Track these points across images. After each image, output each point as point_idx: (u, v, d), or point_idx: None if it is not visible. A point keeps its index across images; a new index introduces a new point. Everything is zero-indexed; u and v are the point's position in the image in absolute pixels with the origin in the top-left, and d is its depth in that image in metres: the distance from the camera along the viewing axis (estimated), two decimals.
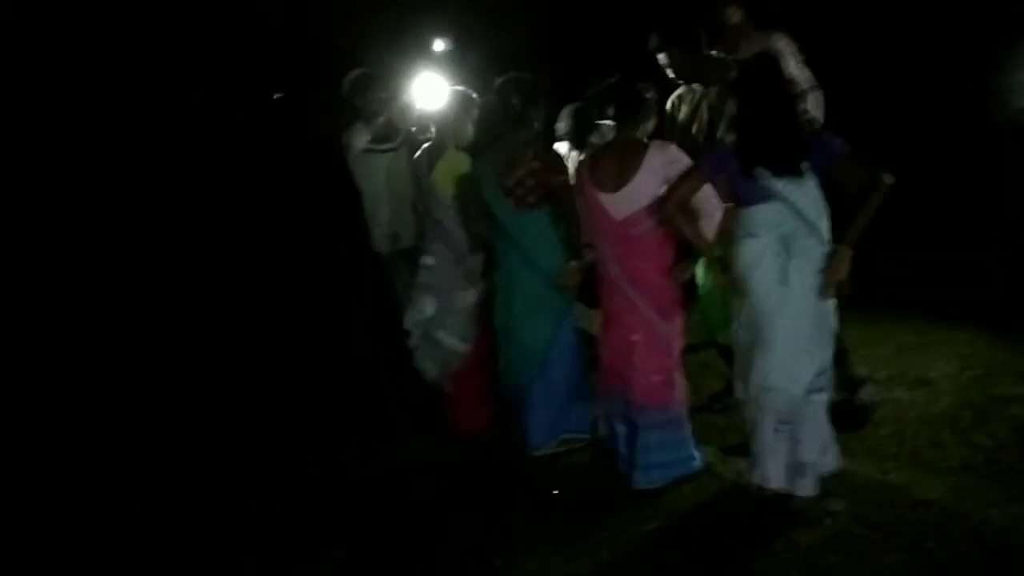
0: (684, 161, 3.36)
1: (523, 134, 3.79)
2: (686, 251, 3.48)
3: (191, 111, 6.79)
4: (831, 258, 3.03)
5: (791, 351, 3.08)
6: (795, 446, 3.13)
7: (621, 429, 3.63)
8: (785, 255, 3.04)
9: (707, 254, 3.33)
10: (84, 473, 4.21)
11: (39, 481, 4.13)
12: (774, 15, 3.79)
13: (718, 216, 3.37)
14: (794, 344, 3.07)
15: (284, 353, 5.57)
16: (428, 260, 4.22)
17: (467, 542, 3.30)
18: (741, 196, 3.14)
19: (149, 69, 6.65)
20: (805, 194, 3.02)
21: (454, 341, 4.17)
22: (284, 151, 6.25)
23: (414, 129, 4.38)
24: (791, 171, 2.99)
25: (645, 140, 3.50)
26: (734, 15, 3.83)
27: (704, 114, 3.79)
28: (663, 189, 3.32)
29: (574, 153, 4.39)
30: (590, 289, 3.78)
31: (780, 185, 3.01)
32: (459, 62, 4.63)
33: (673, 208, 3.22)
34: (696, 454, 3.60)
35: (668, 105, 3.95)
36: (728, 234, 3.25)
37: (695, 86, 3.87)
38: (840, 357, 3.83)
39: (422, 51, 4.59)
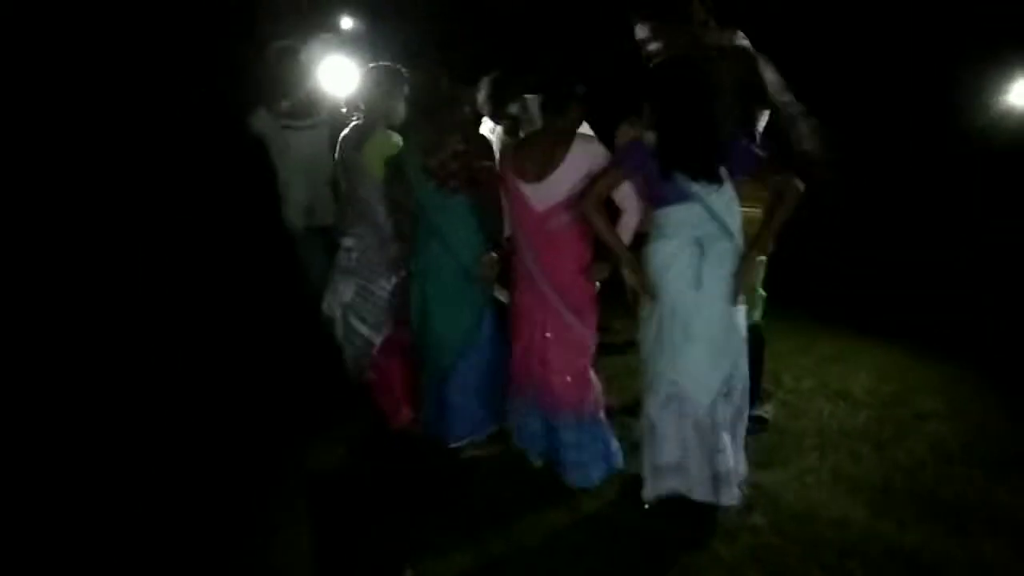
0: (607, 156, 3.25)
1: (452, 115, 3.60)
2: (605, 250, 3.35)
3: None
4: (742, 262, 2.99)
5: (702, 356, 3.03)
6: (713, 455, 3.08)
7: (535, 425, 3.54)
8: (699, 258, 2.98)
9: (620, 254, 3.22)
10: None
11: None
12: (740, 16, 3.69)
13: (636, 217, 3.26)
14: (705, 349, 3.03)
15: (194, 340, 5.21)
16: (348, 242, 4.01)
17: (376, 551, 3.13)
18: (657, 196, 3.07)
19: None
20: (720, 197, 2.96)
21: (368, 330, 3.99)
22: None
23: (342, 107, 4.23)
24: (709, 176, 2.94)
25: (572, 130, 3.34)
26: (699, 12, 3.72)
27: None
28: (585, 183, 3.21)
29: (497, 129, 4.28)
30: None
31: (697, 187, 2.95)
32: (369, 41, 4.39)
33: (589, 204, 3.12)
34: (616, 452, 3.53)
35: None
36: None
37: None
38: (754, 367, 3.84)
39: (330, 29, 4.34)
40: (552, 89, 3.32)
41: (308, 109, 4.36)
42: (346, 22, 4.41)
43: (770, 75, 3.58)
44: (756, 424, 3.82)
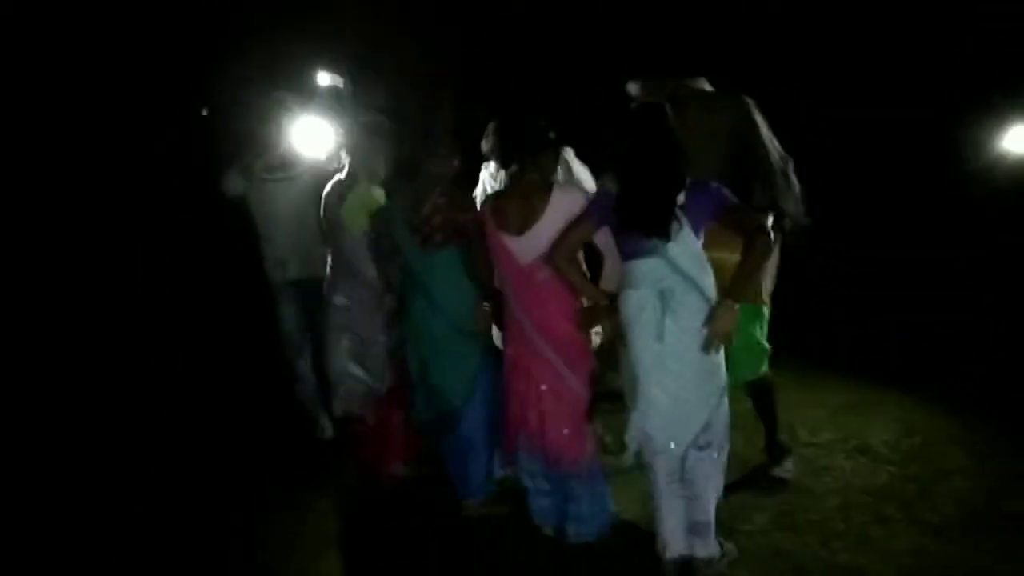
0: (585, 203, 3.18)
1: (437, 169, 3.54)
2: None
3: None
4: (713, 312, 2.89)
5: (669, 408, 2.96)
6: (690, 504, 3.03)
7: (533, 480, 3.46)
8: (662, 311, 2.91)
9: (596, 303, 3.19)
10: None
11: None
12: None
13: (619, 263, 3.17)
14: (673, 401, 2.95)
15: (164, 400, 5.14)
16: (339, 300, 3.95)
17: None
18: (621, 248, 3.04)
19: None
20: (683, 250, 2.89)
21: (367, 376, 3.94)
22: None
23: (323, 158, 4.24)
24: (659, 233, 2.87)
25: (549, 180, 3.30)
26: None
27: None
28: None
29: (501, 174, 4.24)
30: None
31: (656, 243, 2.89)
32: (346, 98, 4.38)
33: (559, 256, 3.09)
34: (605, 513, 3.45)
35: None
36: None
37: None
38: (768, 421, 3.79)
39: (306, 86, 4.33)
40: (521, 136, 3.28)
41: (285, 163, 4.32)
42: (323, 78, 4.37)
43: (760, 123, 3.53)
44: (774, 485, 3.73)
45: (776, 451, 3.82)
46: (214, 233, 4.61)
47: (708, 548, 3.05)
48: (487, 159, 4.37)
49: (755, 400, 3.73)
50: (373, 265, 3.78)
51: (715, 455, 3.02)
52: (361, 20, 6.47)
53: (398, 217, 3.55)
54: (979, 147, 5.00)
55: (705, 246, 2.94)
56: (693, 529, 3.02)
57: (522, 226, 3.22)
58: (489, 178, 4.42)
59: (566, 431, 3.31)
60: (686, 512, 3.04)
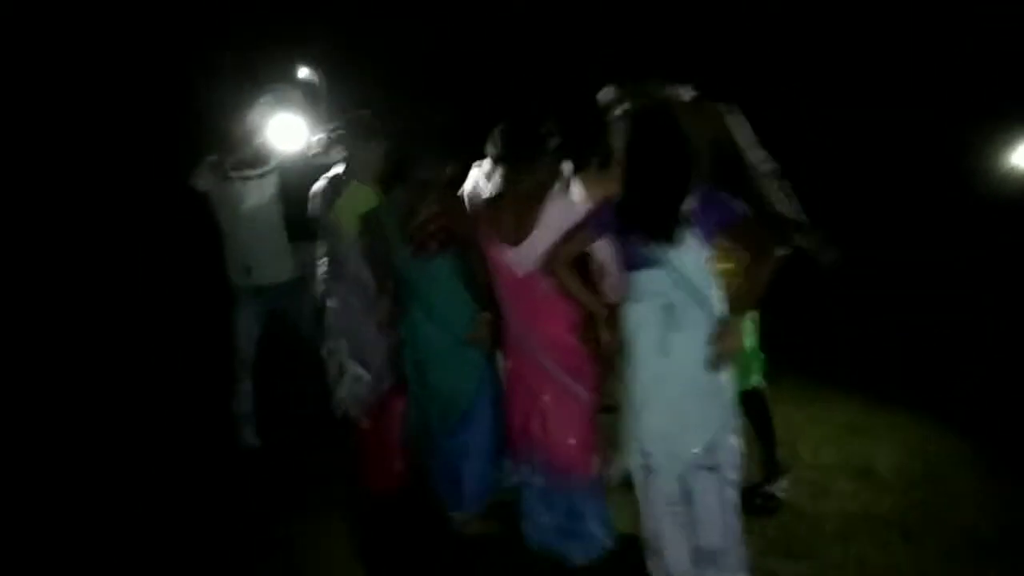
0: (585, 212, 3.03)
1: (427, 175, 3.41)
2: None
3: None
4: (719, 328, 2.72)
5: (670, 426, 2.78)
6: (694, 529, 2.82)
7: (533, 496, 3.32)
8: (666, 325, 2.74)
9: (599, 315, 3.03)
10: None
11: None
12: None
13: (617, 276, 3.02)
14: (674, 419, 2.77)
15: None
16: (334, 303, 3.81)
17: None
18: (624, 259, 2.87)
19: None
20: (689, 261, 2.71)
21: (367, 375, 3.78)
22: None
23: (296, 154, 4.06)
24: (664, 237, 2.69)
25: (545, 187, 3.13)
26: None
27: None
28: None
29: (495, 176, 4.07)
30: None
31: (660, 252, 2.71)
32: (321, 93, 4.23)
33: (556, 266, 2.96)
34: (607, 530, 3.29)
35: None
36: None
37: None
38: (765, 438, 3.61)
39: (285, 79, 4.17)
40: (518, 140, 3.13)
41: (256, 160, 4.14)
42: (300, 72, 4.19)
43: (743, 130, 3.37)
44: (768, 502, 3.56)
45: (773, 468, 3.63)
46: (195, 230, 4.45)
47: None
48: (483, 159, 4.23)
49: (748, 413, 3.55)
50: (367, 268, 3.65)
51: (729, 476, 2.81)
52: (344, 10, 6.39)
53: (392, 221, 3.42)
54: (987, 162, 4.84)
55: None
56: (701, 557, 2.81)
57: (517, 236, 3.10)
58: (482, 177, 4.27)
59: (572, 441, 3.19)
60: (690, 539, 2.83)
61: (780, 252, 2.70)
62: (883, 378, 4.83)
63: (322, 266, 3.90)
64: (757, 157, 3.36)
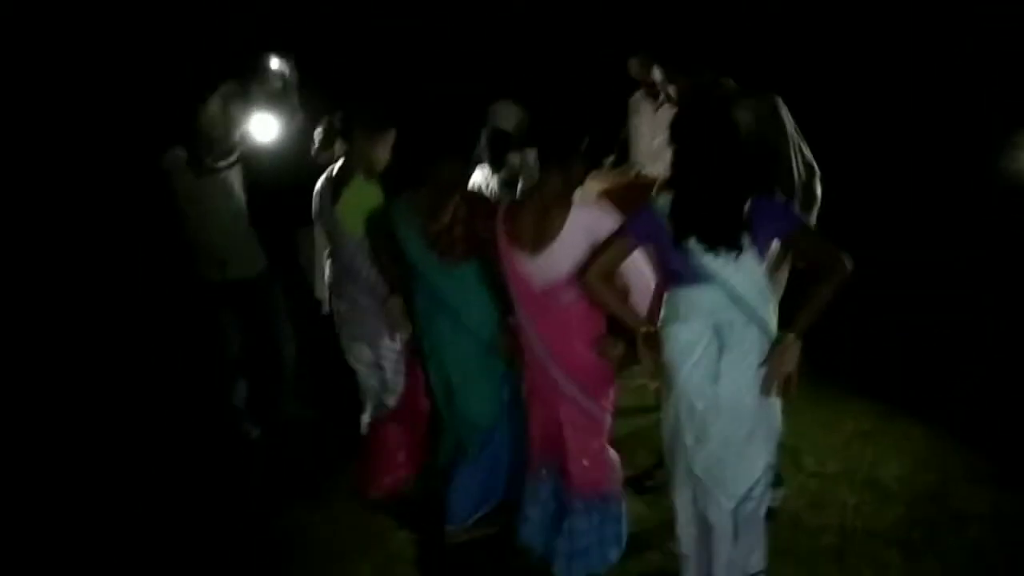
0: (613, 221, 2.77)
1: (451, 173, 3.21)
2: (618, 324, 2.90)
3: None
4: (775, 348, 2.50)
5: (724, 458, 2.60)
6: (717, 544, 2.71)
7: (546, 514, 3.25)
8: (717, 348, 2.53)
9: (636, 330, 2.75)
10: None
11: None
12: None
13: (646, 296, 2.82)
14: (728, 450, 2.59)
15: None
16: (342, 306, 3.69)
17: None
18: (671, 272, 2.61)
19: None
20: (745, 276, 2.47)
21: (385, 388, 3.71)
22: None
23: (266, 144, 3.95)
24: (727, 243, 2.43)
25: (571, 190, 2.89)
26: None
27: None
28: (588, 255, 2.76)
29: (492, 180, 4.03)
30: None
31: (716, 264, 2.46)
32: (292, 84, 4.10)
33: (592, 278, 2.66)
34: (621, 539, 3.21)
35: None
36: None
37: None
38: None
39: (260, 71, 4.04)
40: (554, 140, 2.91)
41: (227, 152, 3.94)
42: (273, 62, 4.03)
43: (789, 125, 3.18)
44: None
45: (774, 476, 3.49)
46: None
47: None
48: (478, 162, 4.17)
49: None
50: (374, 269, 3.50)
51: (759, 503, 2.69)
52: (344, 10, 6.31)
53: (408, 226, 3.23)
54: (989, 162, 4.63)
55: None
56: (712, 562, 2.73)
57: (536, 245, 2.85)
58: (483, 183, 4.17)
59: (585, 461, 3.09)
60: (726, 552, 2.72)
61: (851, 265, 2.44)
62: (897, 382, 4.62)
63: (327, 267, 3.76)
64: (808, 156, 3.17)
